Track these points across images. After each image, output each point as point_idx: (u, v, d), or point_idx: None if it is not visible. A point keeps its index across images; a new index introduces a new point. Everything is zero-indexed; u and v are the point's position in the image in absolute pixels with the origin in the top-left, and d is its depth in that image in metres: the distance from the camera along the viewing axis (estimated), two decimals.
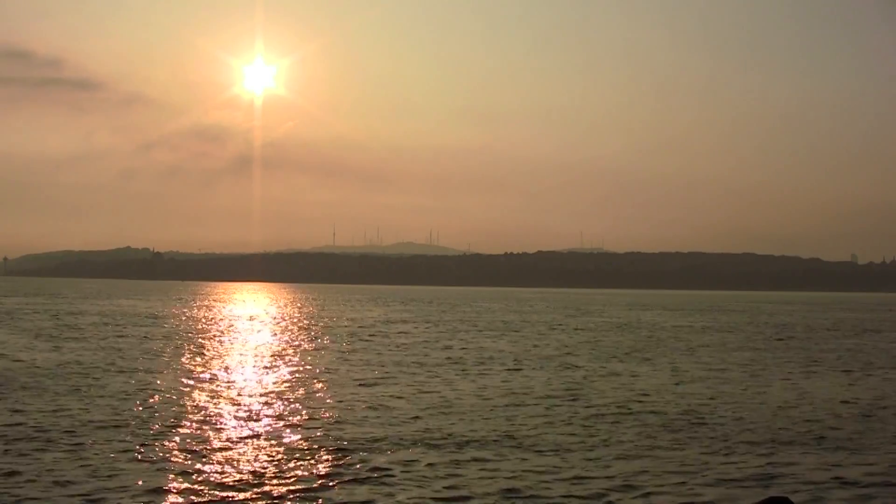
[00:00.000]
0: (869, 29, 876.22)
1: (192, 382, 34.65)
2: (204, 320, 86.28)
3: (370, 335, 66.72)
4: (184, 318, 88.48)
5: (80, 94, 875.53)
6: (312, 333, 67.76)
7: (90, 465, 19.71)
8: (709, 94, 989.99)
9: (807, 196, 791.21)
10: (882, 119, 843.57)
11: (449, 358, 48.11)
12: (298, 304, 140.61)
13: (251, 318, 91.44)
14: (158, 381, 34.71)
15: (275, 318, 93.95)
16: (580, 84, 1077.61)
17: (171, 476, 18.88)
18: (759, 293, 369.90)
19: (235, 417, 26.52)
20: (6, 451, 20.96)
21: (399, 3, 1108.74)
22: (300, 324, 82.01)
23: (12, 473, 18.84)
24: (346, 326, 78.37)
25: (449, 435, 24.28)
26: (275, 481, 18.72)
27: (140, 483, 18.27)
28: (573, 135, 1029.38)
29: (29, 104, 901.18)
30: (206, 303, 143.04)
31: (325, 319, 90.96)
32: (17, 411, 26.61)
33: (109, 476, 18.76)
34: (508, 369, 42.55)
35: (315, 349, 52.61)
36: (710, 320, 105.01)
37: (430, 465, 20.57)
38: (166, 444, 22.13)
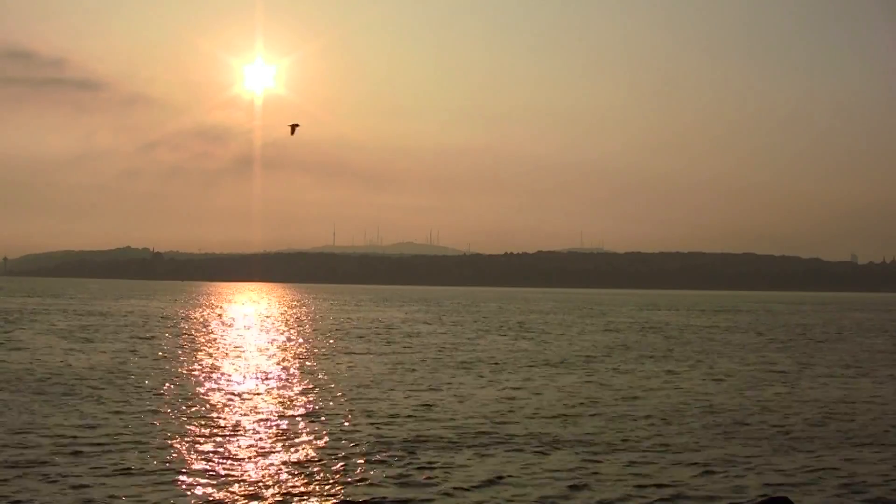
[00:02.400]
0: (869, 29, 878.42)
1: (240, 385, 34.53)
2: (226, 321, 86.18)
3: (402, 336, 66.60)
4: (204, 320, 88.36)
5: (83, 94, 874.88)
6: (341, 335, 67.58)
7: (154, 469, 19.70)
8: (709, 94, 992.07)
9: (807, 196, 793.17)
10: (882, 119, 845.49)
11: (490, 359, 48.05)
12: (311, 306, 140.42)
13: (273, 320, 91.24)
14: (205, 385, 34.58)
15: (296, 319, 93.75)
16: (580, 84, 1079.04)
17: (237, 477, 18.96)
18: (760, 293, 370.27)
19: (292, 418, 26.51)
20: (88, 461, 20.89)
21: (399, 3, 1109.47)
22: (324, 325, 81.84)
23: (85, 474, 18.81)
24: (371, 328, 78.23)
25: (510, 435, 24.38)
26: (335, 483, 18.72)
27: (197, 478, 18.54)
28: (573, 135, 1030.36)
29: (31, 104, 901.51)
30: (218, 303, 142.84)
31: (347, 320, 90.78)
32: (87, 422, 26.53)
33: (176, 475, 18.83)
34: (556, 372, 42.51)
35: (351, 350, 52.45)
36: (730, 321, 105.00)
37: (497, 465, 20.69)
38: (228, 445, 22.15)
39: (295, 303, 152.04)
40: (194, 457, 20.83)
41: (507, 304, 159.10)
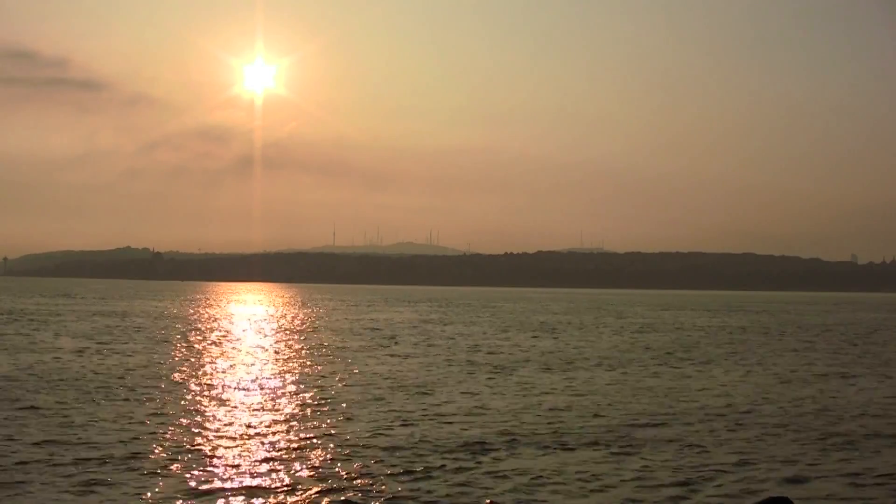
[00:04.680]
0: (869, 29, 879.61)
1: (283, 388, 34.22)
2: (246, 323, 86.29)
3: (433, 336, 66.69)
4: (222, 321, 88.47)
5: (85, 94, 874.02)
6: (368, 335, 67.52)
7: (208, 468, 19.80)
8: (709, 94, 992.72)
9: (807, 196, 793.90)
10: (882, 119, 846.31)
11: (524, 359, 48.17)
12: (321, 306, 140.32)
13: (291, 321, 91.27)
14: (245, 386, 34.45)
15: (314, 320, 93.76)
16: (581, 84, 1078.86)
17: (293, 481, 18.79)
18: (760, 293, 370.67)
19: (339, 418, 26.44)
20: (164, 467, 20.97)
21: (399, 3, 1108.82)
22: (347, 326, 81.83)
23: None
24: (394, 328, 78.27)
25: (563, 434, 24.58)
26: (394, 482, 18.71)
27: (245, 482, 18.50)
28: (573, 135, 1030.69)
29: (33, 104, 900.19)
30: (228, 304, 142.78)
31: (369, 321, 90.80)
32: (132, 424, 26.62)
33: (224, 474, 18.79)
34: (596, 373, 42.61)
35: (390, 353, 52.40)
36: (748, 321, 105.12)
37: (558, 465, 20.74)
38: (281, 448, 22.02)
39: (304, 303, 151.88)
40: (251, 461, 20.67)
41: (519, 304, 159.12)
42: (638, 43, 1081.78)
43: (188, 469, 19.58)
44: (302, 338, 63.16)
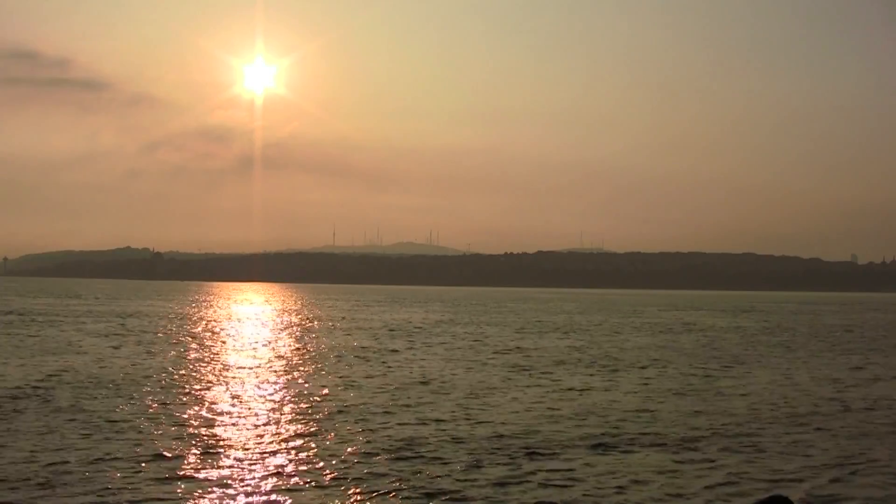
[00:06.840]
0: (869, 29, 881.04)
1: (324, 389, 33.86)
2: (266, 323, 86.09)
3: (457, 337, 66.65)
4: (239, 322, 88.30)
5: (86, 94, 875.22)
6: (387, 335, 67.28)
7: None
8: (709, 95, 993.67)
9: (807, 196, 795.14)
10: (882, 119, 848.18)
11: (556, 360, 47.93)
12: (332, 307, 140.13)
13: (307, 321, 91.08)
14: (281, 388, 34.08)
15: (331, 321, 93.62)
16: (581, 84, 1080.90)
17: (340, 481, 18.72)
18: (760, 293, 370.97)
19: (380, 421, 26.15)
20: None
21: (400, 2, 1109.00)
22: (364, 326, 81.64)
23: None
24: (416, 329, 78.20)
25: (619, 435, 24.61)
26: (444, 484, 18.52)
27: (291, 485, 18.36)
28: (573, 135, 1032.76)
29: (35, 104, 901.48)
30: (240, 304, 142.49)
31: (382, 321, 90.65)
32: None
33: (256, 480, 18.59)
34: (636, 373, 42.58)
35: (420, 356, 52.21)
36: (766, 322, 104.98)
37: (604, 467, 20.56)
38: (326, 448, 21.82)
39: (312, 304, 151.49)
40: (294, 463, 20.39)
41: (527, 305, 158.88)
42: (638, 43, 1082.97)
43: (230, 469, 19.41)
44: (324, 339, 62.80)
